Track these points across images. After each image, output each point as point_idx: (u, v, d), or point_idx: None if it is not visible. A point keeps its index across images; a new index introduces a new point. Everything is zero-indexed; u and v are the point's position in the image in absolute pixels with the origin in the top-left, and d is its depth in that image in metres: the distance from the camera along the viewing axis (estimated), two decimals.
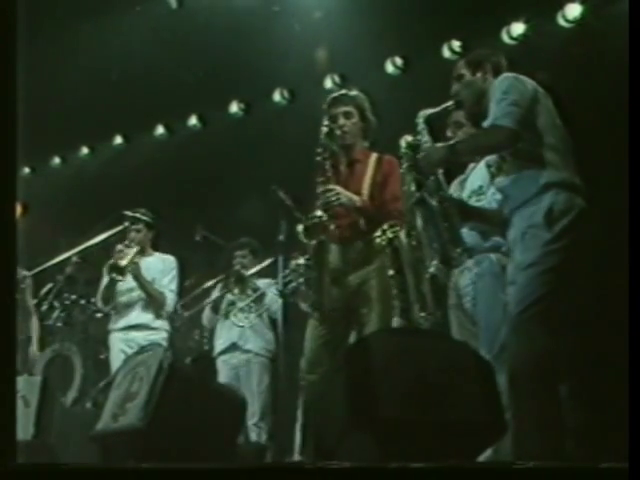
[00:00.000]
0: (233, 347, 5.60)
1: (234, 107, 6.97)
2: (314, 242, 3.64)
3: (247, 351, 5.57)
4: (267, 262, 5.23)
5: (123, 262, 5.20)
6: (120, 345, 5.23)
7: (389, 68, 6.12)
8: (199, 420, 3.29)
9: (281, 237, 3.69)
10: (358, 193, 3.77)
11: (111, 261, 5.21)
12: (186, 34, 6.16)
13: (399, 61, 6.07)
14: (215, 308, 5.67)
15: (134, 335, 5.25)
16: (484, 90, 3.25)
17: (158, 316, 5.37)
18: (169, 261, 5.49)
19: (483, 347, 3.25)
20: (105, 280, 5.35)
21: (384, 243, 3.59)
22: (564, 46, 5.32)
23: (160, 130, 7.40)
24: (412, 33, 5.73)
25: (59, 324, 6.07)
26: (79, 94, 6.45)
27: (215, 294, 5.71)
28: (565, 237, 2.93)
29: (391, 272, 3.60)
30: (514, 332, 2.91)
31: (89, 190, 7.27)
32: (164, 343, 5.33)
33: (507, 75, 3.16)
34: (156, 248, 5.51)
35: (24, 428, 3.99)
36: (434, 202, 3.26)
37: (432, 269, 3.65)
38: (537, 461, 2.60)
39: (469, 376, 2.69)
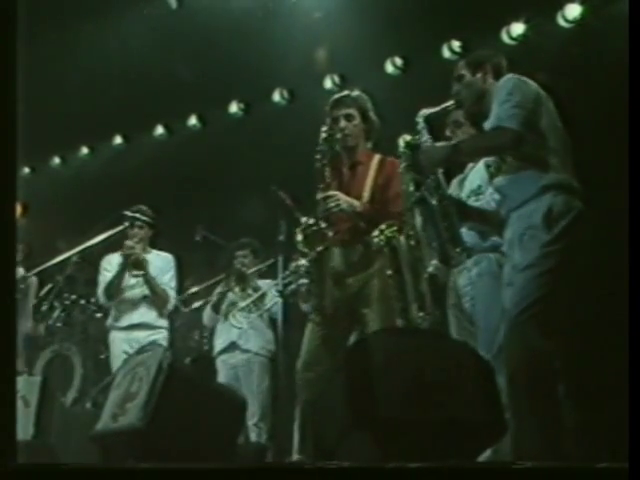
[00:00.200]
0: (233, 346, 5.60)
1: (234, 107, 6.97)
2: (314, 252, 3.63)
3: (247, 351, 5.57)
4: (268, 262, 5.24)
5: (141, 257, 5.25)
6: (122, 345, 5.24)
7: (389, 68, 6.12)
8: (199, 420, 3.29)
9: (281, 237, 3.69)
10: (360, 195, 3.76)
11: (132, 256, 5.23)
12: (186, 34, 6.16)
13: (399, 61, 6.07)
14: (216, 307, 5.67)
15: (137, 334, 5.25)
16: (484, 91, 3.26)
17: (161, 315, 5.39)
18: (168, 259, 5.51)
19: (482, 347, 3.25)
20: (109, 275, 5.36)
21: (382, 243, 3.59)
22: (564, 46, 5.32)
23: (160, 130, 7.40)
24: (412, 33, 5.73)
25: (59, 324, 6.06)
26: (79, 94, 6.45)
27: (216, 293, 5.72)
28: (563, 239, 2.93)
29: (389, 272, 3.61)
30: (512, 334, 2.91)
31: (89, 190, 7.27)
32: (165, 342, 5.34)
33: (511, 76, 3.16)
34: (153, 246, 5.52)
35: (24, 428, 3.99)
36: (434, 201, 3.26)
37: (431, 269, 3.65)
38: (536, 461, 2.61)
39: (469, 376, 2.69)
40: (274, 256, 4.02)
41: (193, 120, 7.23)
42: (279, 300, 3.86)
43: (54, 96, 6.28)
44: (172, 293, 5.47)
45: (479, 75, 3.28)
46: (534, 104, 3.07)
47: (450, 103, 3.34)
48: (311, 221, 3.66)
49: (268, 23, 5.93)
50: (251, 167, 6.34)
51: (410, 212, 3.44)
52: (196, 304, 5.89)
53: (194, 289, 5.95)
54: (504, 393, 2.85)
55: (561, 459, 2.71)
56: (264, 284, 5.50)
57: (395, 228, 3.59)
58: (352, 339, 3.78)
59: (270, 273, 5.28)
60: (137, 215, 5.35)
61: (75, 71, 6.37)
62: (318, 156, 3.74)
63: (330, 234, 3.62)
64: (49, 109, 6.11)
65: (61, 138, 7.26)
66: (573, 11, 5.32)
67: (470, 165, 3.76)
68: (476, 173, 3.68)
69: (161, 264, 5.47)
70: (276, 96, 6.69)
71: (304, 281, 3.72)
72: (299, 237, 3.62)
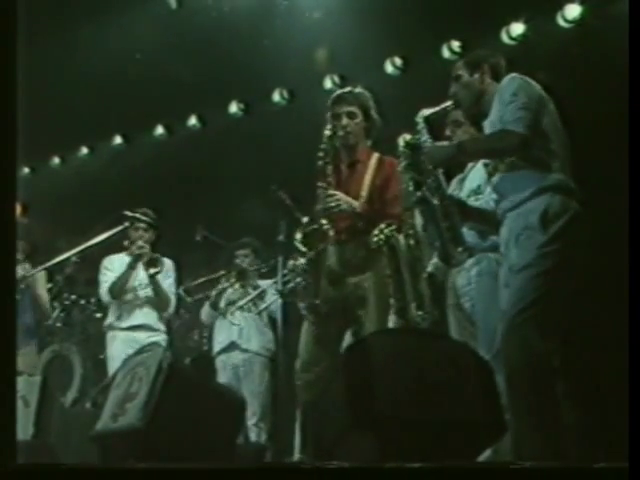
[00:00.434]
0: (232, 346, 5.60)
1: (234, 107, 6.97)
2: (314, 252, 3.63)
3: (246, 350, 5.58)
4: (270, 264, 5.23)
5: (156, 255, 5.28)
6: (122, 345, 5.23)
7: (389, 68, 6.11)
8: (198, 420, 3.29)
9: (281, 237, 3.69)
10: (358, 195, 3.75)
11: (146, 255, 5.25)
12: (186, 34, 6.16)
13: (399, 61, 6.07)
14: (214, 304, 5.68)
15: (137, 336, 5.25)
16: (482, 91, 3.26)
17: (161, 318, 5.41)
18: (168, 264, 5.51)
19: (482, 347, 3.25)
20: (112, 275, 5.37)
21: (381, 242, 3.59)
22: (563, 46, 5.32)
23: (160, 130, 7.39)
24: (412, 33, 5.73)
25: (58, 324, 6.06)
26: (79, 94, 6.45)
27: (215, 290, 5.72)
28: (560, 240, 2.93)
29: (388, 271, 3.60)
30: (510, 335, 2.91)
31: (89, 190, 7.27)
32: (165, 344, 5.34)
33: (514, 75, 3.16)
34: (155, 250, 5.53)
35: (24, 428, 3.99)
36: (435, 201, 3.26)
37: (430, 268, 3.66)
38: (535, 461, 2.61)
39: (469, 376, 2.69)
40: (274, 256, 4.01)
41: (193, 120, 7.22)
42: (279, 299, 3.86)
43: (54, 96, 6.27)
44: (173, 298, 5.49)
45: (477, 75, 3.28)
46: (538, 105, 3.08)
47: (449, 103, 3.34)
48: (311, 220, 3.66)
49: (268, 23, 5.93)
50: (251, 167, 6.34)
51: (410, 212, 3.45)
52: (198, 296, 5.89)
53: (198, 281, 5.94)
54: (503, 393, 2.85)
55: (560, 459, 2.71)
56: (264, 284, 5.50)
57: (394, 227, 3.59)
58: (347, 339, 3.79)
59: (270, 274, 5.28)
60: (137, 215, 5.35)
61: (75, 71, 6.36)
62: (321, 154, 3.74)
63: (331, 233, 3.62)
64: (49, 109, 6.11)
65: (61, 138, 7.26)
66: (573, 11, 5.31)
67: (470, 165, 3.76)
68: (476, 173, 3.68)
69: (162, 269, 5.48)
70: (276, 96, 6.68)
71: (299, 280, 3.72)
72: (298, 235, 3.62)
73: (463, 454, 2.60)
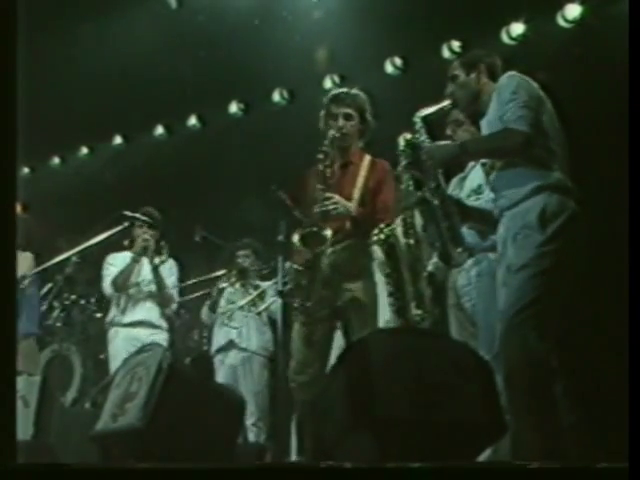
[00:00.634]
0: (231, 345, 5.61)
1: (234, 107, 6.97)
2: (311, 253, 3.62)
3: (245, 350, 5.58)
4: (271, 265, 5.24)
5: (161, 242, 5.30)
6: (123, 343, 5.23)
7: (389, 68, 6.12)
8: (198, 420, 3.29)
9: (281, 237, 3.69)
10: (350, 196, 3.76)
11: (153, 246, 5.28)
12: (186, 34, 6.16)
13: (399, 61, 6.07)
14: (213, 305, 5.68)
15: (139, 333, 5.26)
16: (478, 91, 3.26)
17: (163, 314, 5.41)
18: (171, 264, 5.53)
19: (482, 347, 3.24)
20: (115, 270, 5.38)
21: (381, 241, 3.58)
22: (564, 46, 5.32)
23: (160, 130, 7.40)
24: (412, 33, 5.73)
25: (58, 324, 6.06)
26: (79, 94, 6.45)
27: (215, 290, 5.73)
28: (558, 239, 2.93)
29: (387, 270, 3.60)
30: (509, 335, 2.91)
31: (89, 190, 7.27)
32: (165, 343, 5.35)
33: (513, 74, 3.16)
34: (158, 251, 5.56)
35: (24, 428, 3.99)
36: (435, 201, 3.26)
37: (431, 268, 3.66)
38: (533, 461, 2.61)
39: (469, 376, 2.69)
40: (274, 257, 4.01)
41: (193, 120, 7.22)
42: (278, 299, 3.86)
43: (54, 96, 6.28)
44: (176, 295, 5.51)
45: (473, 75, 3.28)
46: (537, 103, 3.07)
47: (446, 103, 3.34)
48: (308, 222, 3.66)
49: (268, 23, 5.93)
50: (251, 167, 6.34)
51: (409, 211, 3.45)
52: (195, 294, 5.90)
53: (193, 280, 5.95)
54: (503, 393, 2.85)
55: (558, 459, 2.71)
56: (264, 285, 5.51)
57: (393, 226, 3.59)
58: (336, 341, 3.80)
59: (271, 274, 5.29)
60: (137, 215, 5.35)
61: (75, 71, 6.36)
62: (321, 155, 3.74)
63: (328, 236, 3.61)
64: (49, 109, 6.11)
65: (61, 138, 7.26)
66: (573, 11, 5.32)
67: (470, 164, 3.76)
68: (476, 172, 3.68)
69: (165, 268, 5.48)
70: (276, 96, 6.69)
71: (292, 281, 3.72)
72: (296, 237, 3.61)
73: (463, 454, 2.60)
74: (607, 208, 4.03)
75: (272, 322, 5.51)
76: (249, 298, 5.53)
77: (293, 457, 3.91)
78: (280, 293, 3.71)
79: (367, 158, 3.87)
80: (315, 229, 3.61)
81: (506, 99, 3.06)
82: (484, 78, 3.26)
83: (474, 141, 3.36)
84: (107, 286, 5.43)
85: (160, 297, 5.38)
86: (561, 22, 5.36)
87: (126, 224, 5.34)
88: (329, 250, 3.70)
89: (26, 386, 4.28)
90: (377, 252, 3.82)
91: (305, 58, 6.08)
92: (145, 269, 5.38)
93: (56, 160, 7.93)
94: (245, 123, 6.90)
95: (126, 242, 5.43)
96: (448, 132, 3.67)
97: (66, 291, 6.08)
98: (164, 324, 5.44)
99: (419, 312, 3.49)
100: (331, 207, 3.64)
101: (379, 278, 3.98)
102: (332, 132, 3.75)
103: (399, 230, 3.83)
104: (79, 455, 3.84)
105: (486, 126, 3.22)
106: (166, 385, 3.28)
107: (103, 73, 6.30)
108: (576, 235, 2.98)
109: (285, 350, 3.77)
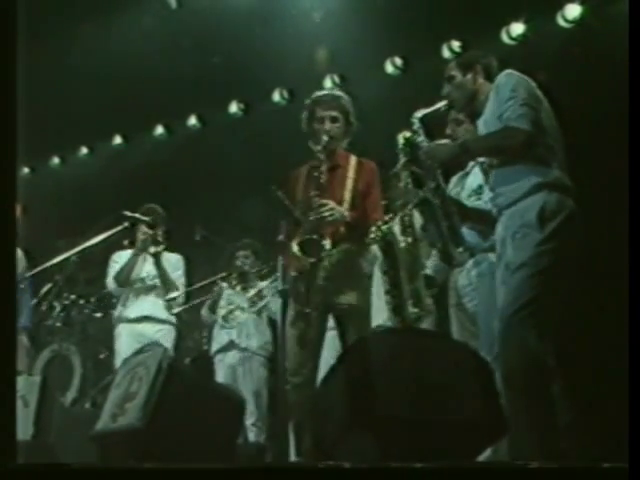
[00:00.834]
0: (231, 345, 5.61)
1: (233, 107, 6.97)
2: (309, 261, 3.62)
3: (245, 349, 5.58)
4: (270, 264, 5.24)
5: (159, 233, 5.30)
6: (128, 339, 5.24)
7: (389, 68, 6.12)
8: (198, 420, 3.29)
9: (281, 237, 3.69)
10: (341, 199, 3.76)
11: (142, 236, 5.28)
12: (186, 34, 6.16)
13: (399, 61, 6.07)
14: (213, 306, 5.68)
15: (144, 329, 5.27)
16: (475, 91, 3.26)
17: (169, 308, 5.41)
18: (176, 259, 5.56)
19: (483, 348, 3.25)
20: (121, 262, 5.39)
21: (378, 239, 3.58)
22: (564, 46, 5.32)
23: (160, 130, 7.40)
24: (412, 33, 5.73)
25: (58, 324, 6.06)
26: (79, 94, 6.45)
27: (214, 291, 5.73)
28: (556, 238, 2.93)
29: (384, 268, 3.60)
30: (507, 334, 2.91)
31: (89, 190, 7.27)
32: (172, 338, 5.36)
33: (510, 72, 3.16)
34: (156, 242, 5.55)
35: (24, 428, 3.99)
36: (436, 201, 3.26)
37: (429, 271, 3.66)
38: (531, 460, 2.61)
39: (469, 376, 2.69)
40: (274, 257, 4.01)
41: (193, 120, 7.23)
42: (278, 299, 3.85)
43: (54, 96, 6.27)
44: (181, 289, 5.49)
45: (469, 76, 3.28)
46: (536, 102, 3.07)
47: (443, 104, 3.34)
48: (304, 229, 3.65)
49: (268, 23, 5.93)
50: (251, 167, 6.33)
51: (407, 208, 3.45)
52: (195, 301, 5.89)
53: (201, 283, 5.95)
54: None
55: (556, 458, 2.71)
56: (262, 285, 5.51)
57: (391, 224, 3.59)
58: (333, 343, 3.81)
59: (270, 274, 5.30)
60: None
61: (75, 71, 6.36)
62: (316, 163, 3.74)
63: (327, 245, 3.60)
64: (49, 109, 6.11)
65: (61, 138, 7.26)
66: (573, 11, 5.32)
67: (470, 164, 3.76)
68: (477, 173, 3.68)
69: (170, 263, 5.50)
70: (276, 96, 6.69)
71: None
72: (295, 248, 3.60)
73: (463, 454, 2.60)
74: (605, 207, 4.03)
75: (272, 322, 5.51)
76: (248, 296, 5.54)
77: (293, 457, 3.90)
78: (280, 293, 3.71)
79: (353, 159, 3.88)
80: (315, 237, 3.60)
81: (505, 97, 3.05)
82: (480, 78, 3.27)
83: (475, 140, 3.35)
84: (110, 282, 5.45)
85: (165, 290, 5.39)
86: (561, 22, 5.36)
87: (126, 224, 5.34)
88: (325, 255, 3.70)
89: (26, 386, 4.27)
90: (375, 250, 3.83)
91: (305, 58, 6.08)
92: (148, 264, 5.39)
93: (56, 160, 7.93)
94: (245, 123, 6.90)
95: (126, 242, 5.43)
96: (448, 131, 3.68)
97: (66, 291, 6.08)
98: (171, 318, 5.44)
99: (415, 310, 3.49)
100: (327, 214, 3.64)
101: (377, 276, 3.98)
102: (325, 137, 3.75)
103: (397, 228, 3.83)
104: (79, 455, 3.83)
105: (483, 125, 3.22)
106: (166, 385, 3.28)
107: (103, 73, 6.30)
108: (574, 234, 2.98)
109: (285, 350, 3.76)
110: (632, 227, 2.30)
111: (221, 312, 5.65)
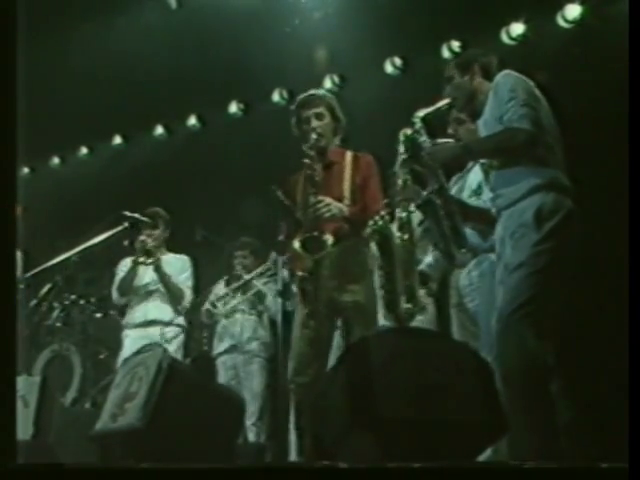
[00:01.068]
0: (232, 348, 5.60)
1: (233, 107, 6.97)
2: (312, 259, 3.62)
3: (246, 352, 5.58)
4: (268, 264, 5.24)
5: (150, 244, 5.30)
6: (133, 342, 5.22)
7: (389, 68, 6.12)
8: (198, 420, 3.29)
9: (281, 237, 3.69)
10: (340, 196, 3.76)
11: (139, 244, 5.27)
12: (186, 34, 6.16)
13: (399, 61, 6.07)
14: (213, 306, 5.68)
15: (150, 332, 5.27)
16: (474, 90, 3.26)
17: (176, 311, 5.42)
18: (183, 260, 5.57)
19: (484, 348, 3.24)
20: (122, 272, 5.39)
21: (375, 233, 3.58)
22: (563, 46, 5.32)
23: (159, 130, 7.40)
24: (412, 33, 5.73)
25: (58, 324, 6.05)
26: (79, 94, 6.45)
27: (214, 293, 5.72)
28: (554, 238, 2.92)
29: (380, 262, 3.59)
30: (505, 333, 2.91)
31: (89, 190, 7.27)
32: (180, 340, 5.37)
33: (508, 72, 3.15)
34: (170, 249, 5.57)
35: (24, 428, 3.99)
36: (438, 201, 3.25)
37: (424, 266, 3.66)
38: (529, 460, 2.61)
39: (469, 376, 2.69)
40: (274, 256, 4.01)
41: (193, 120, 7.23)
42: (278, 300, 3.85)
43: (54, 96, 6.27)
44: (188, 292, 5.50)
45: (467, 76, 3.28)
46: (535, 101, 3.07)
47: (444, 102, 3.34)
48: (305, 227, 3.66)
49: (268, 23, 5.93)
50: (251, 167, 6.33)
51: (405, 205, 3.44)
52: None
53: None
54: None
55: (555, 458, 2.71)
56: (259, 284, 5.51)
57: (388, 218, 3.58)
58: (336, 341, 3.80)
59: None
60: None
61: (75, 71, 6.36)
62: (307, 161, 3.75)
63: (329, 241, 3.60)
64: (49, 109, 6.11)
65: (61, 138, 7.26)
66: (573, 11, 5.32)
67: (470, 164, 3.76)
68: (477, 173, 3.68)
69: (178, 265, 5.52)
70: (276, 96, 6.69)
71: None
72: (296, 245, 3.60)
73: (463, 454, 2.60)
74: (604, 206, 4.03)
75: (272, 323, 5.51)
76: (247, 296, 5.54)
77: (293, 457, 3.90)
78: (280, 294, 3.71)
79: (349, 154, 3.89)
80: (315, 234, 3.60)
81: (504, 98, 3.05)
82: (478, 78, 3.26)
83: (478, 142, 3.33)
84: (114, 292, 5.48)
85: (169, 295, 5.38)
86: (561, 22, 5.37)
87: (126, 225, 5.33)
88: (328, 253, 3.70)
89: (26, 386, 4.27)
90: (371, 245, 3.83)
91: (305, 58, 6.08)
92: (151, 270, 5.39)
93: (56, 160, 7.93)
94: (245, 123, 6.90)
95: (126, 242, 5.42)
96: (450, 131, 3.67)
97: (66, 291, 6.07)
98: (178, 320, 5.44)
99: (409, 306, 3.48)
100: (324, 210, 3.64)
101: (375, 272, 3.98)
102: (313, 135, 3.76)
103: (394, 224, 3.83)
104: (79, 455, 3.83)
105: (483, 126, 3.21)
106: (166, 385, 3.28)
107: (103, 73, 6.30)
108: (573, 233, 2.97)
109: (285, 351, 3.77)
110: (632, 227, 2.30)
111: (221, 312, 5.65)
